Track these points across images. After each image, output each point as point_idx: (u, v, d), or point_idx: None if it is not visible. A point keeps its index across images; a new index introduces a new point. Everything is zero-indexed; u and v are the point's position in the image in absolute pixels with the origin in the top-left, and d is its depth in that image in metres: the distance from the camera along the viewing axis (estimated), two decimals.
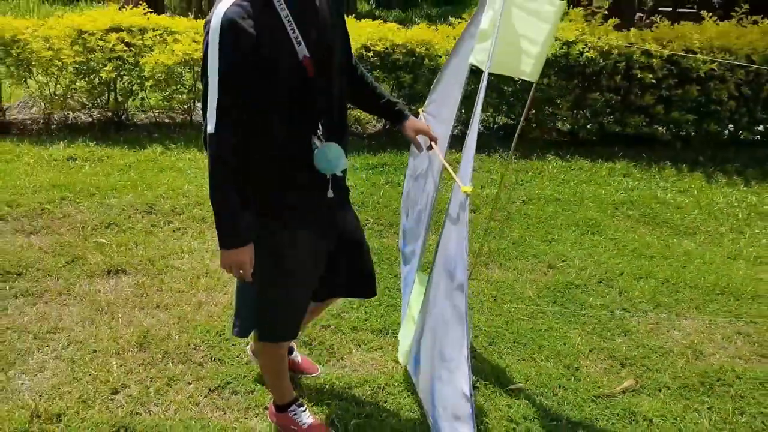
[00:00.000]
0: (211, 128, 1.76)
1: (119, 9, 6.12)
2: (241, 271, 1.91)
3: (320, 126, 1.96)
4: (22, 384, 2.61)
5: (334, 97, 2.00)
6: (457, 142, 2.55)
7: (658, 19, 6.33)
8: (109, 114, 6.01)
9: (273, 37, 1.80)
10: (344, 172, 2.10)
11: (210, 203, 1.86)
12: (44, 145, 5.37)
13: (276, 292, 2.10)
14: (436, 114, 2.70)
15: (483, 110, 6.05)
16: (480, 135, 6.07)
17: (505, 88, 5.78)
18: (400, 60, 5.56)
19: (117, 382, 2.63)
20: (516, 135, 2.86)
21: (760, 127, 6.21)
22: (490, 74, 1.98)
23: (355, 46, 5.55)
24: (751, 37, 5.81)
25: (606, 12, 6.33)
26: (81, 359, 2.77)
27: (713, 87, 5.70)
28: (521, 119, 3.59)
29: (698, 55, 5.59)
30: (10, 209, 4.14)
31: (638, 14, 14.31)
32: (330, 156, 1.94)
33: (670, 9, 13.94)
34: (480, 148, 5.63)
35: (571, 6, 6.41)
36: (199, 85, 2.48)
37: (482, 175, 5.21)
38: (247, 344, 2.77)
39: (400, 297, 3.13)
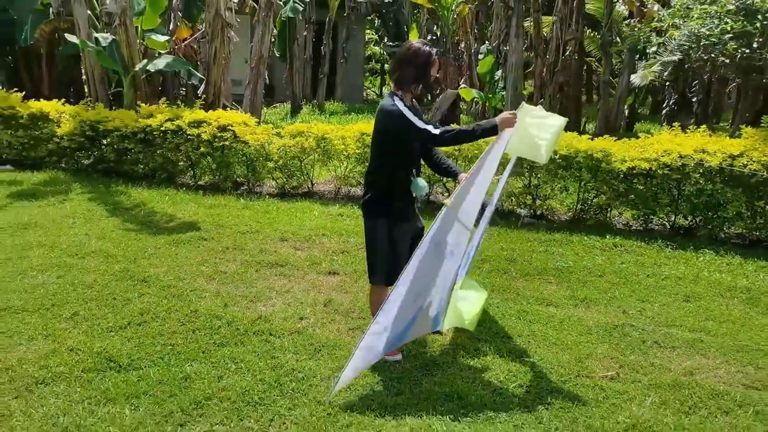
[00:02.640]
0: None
1: None
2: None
3: (414, 171, 3.95)
4: (261, 308, 4.85)
5: (420, 159, 4.05)
6: None
7: None
8: None
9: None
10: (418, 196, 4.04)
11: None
12: (328, 206, 8.04)
13: (388, 251, 4.02)
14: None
15: (661, 210, 7.12)
16: (653, 230, 7.16)
17: (684, 191, 6.79)
18: (581, 162, 7.04)
19: (304, 315, 4.71)
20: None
21: None
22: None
23: None
24: None
25: None
26: (293, 305, 4.92)
27: None
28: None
29: None
30: (292, 236, 6.68)
31: None
32: (420, 185, 3.93)
33: None
34: (646, 238, 6.74)
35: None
36: None
37: (632, 257, 6.33)
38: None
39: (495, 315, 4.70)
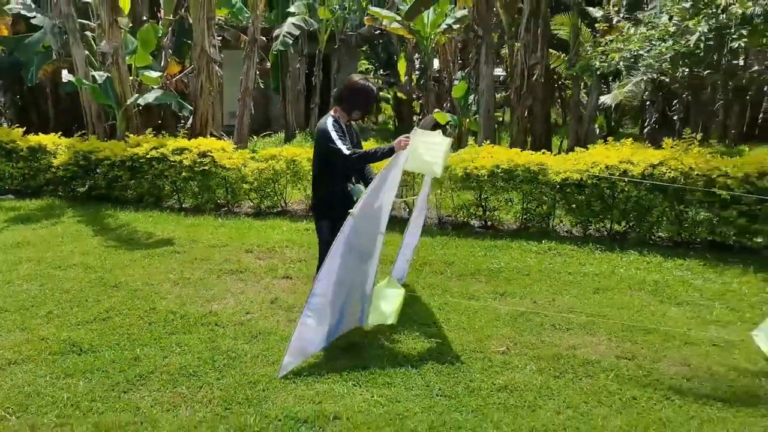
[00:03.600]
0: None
1: None
2: None
3: (352, 179, 4.67)
4: (214, 306, 5.52)
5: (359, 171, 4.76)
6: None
7: None
8: None
9: None
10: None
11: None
12: (297, 222, 8.74)
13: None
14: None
15: (603, 217, 7.75)
16: (591, 236, 7.75)
17: (616, 199, 7.44)
18: (520, 175, 7.71)
19: (250, 311, 5.37)
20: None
21: None
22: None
23: (490, 165, 7.90)
24: None
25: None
26: (243, 303, 5.59)
27: None
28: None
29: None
30: (257, 248, 7.37)
31: None
32: (358, 190, 4.63)
33: None
34: (581, 243, 7.37)
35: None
36: None
37: (570, 260, 6.95)
38: None
39: (419, 307, 5.35)
